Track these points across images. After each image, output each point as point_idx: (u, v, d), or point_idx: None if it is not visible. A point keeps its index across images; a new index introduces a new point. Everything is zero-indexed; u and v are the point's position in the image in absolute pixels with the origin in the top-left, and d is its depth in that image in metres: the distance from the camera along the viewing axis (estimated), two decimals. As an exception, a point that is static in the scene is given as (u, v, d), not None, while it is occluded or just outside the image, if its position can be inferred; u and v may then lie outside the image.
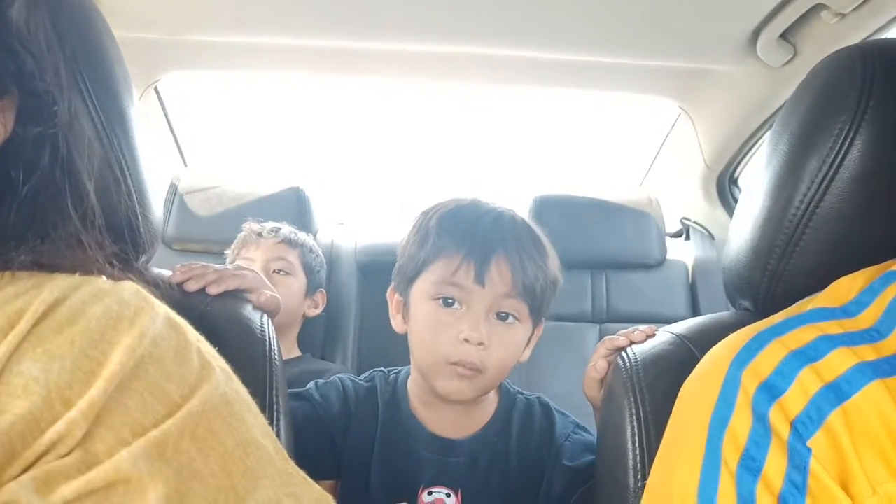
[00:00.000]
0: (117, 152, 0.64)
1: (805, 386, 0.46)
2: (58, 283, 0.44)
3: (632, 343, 0.79)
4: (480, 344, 0.83)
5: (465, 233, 0.86)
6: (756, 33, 1.27)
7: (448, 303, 0.85)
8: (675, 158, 1.94)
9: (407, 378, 0.95)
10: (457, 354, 0.83)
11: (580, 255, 1.76)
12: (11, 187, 0.48)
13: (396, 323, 0.93)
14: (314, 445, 0.87)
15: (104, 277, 0.48)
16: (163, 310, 0.46)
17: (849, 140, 0.61)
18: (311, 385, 0.94)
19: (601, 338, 1.72)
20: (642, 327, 0.82)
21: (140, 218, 0.66)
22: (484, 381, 0.86)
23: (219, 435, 0.42)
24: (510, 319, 0.86)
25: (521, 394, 0.97)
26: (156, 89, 1.68)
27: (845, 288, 0.53)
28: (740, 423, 0.47)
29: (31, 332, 0.40)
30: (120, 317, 0.43)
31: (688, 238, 2.00)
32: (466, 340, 0.83)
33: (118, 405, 0.39)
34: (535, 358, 0.99)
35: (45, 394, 0.38)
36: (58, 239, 0.48)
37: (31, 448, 0.37)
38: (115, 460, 0.37)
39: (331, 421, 0.90)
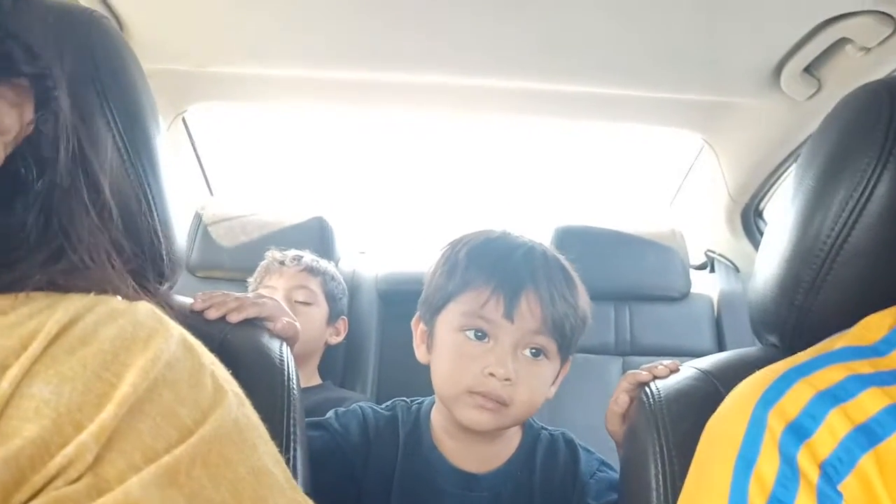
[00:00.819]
0: (143, 182, 0.65)
1: (834, 428, 0.44)
2: (72, 303, 0.43)
3: (655, 378, 0.77)
4: (507, 380, 0.81)
5: (496, 266, 0.84)
6: (780, 67, 1.26)
7: (478, 335, 0.84)
8: (699, 190, 1.93)
9: (430, 409, 0.94)
10: (480, 386, 0.82)
11: (603, 287, 1.74)
12: (25, 187, 0.47)
13: (420, 353, 0.92)
14: (334, 476, 0.86)
15: (119, 297, 0.47)
16: (177, 331, 0.46)
17: (876, 176, 0.60)
18: (330, 414, 0.94)
19: (624, 370, 1.71)
20: (666, 362, 0.80)
21: (164, 247, 0.67)
22: (509, 416, 0.84)
23: (231, 462, 0.41)
24: (540, 356, 0.85)
25: (545, 429, 0.96)
26: (183, 119, 1.71)
27: (874, 326, 0.52)
28: (767, 465, 0.46)
29: (44, 354, 0.40)
30: (134, 338, 0.42)
31: (713, 271, 1.98)
32: (492, 375, 0.81)
33: (130, 429, 0.38)
34: (558, 389, 0.98)
35: (55, 417, 0.37)
36: (73, 257, 0.48)
37: (39, 473, 0.36)
38: (125, 487, 0.36)
39: (350, 451, 0.89)
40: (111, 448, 0.37)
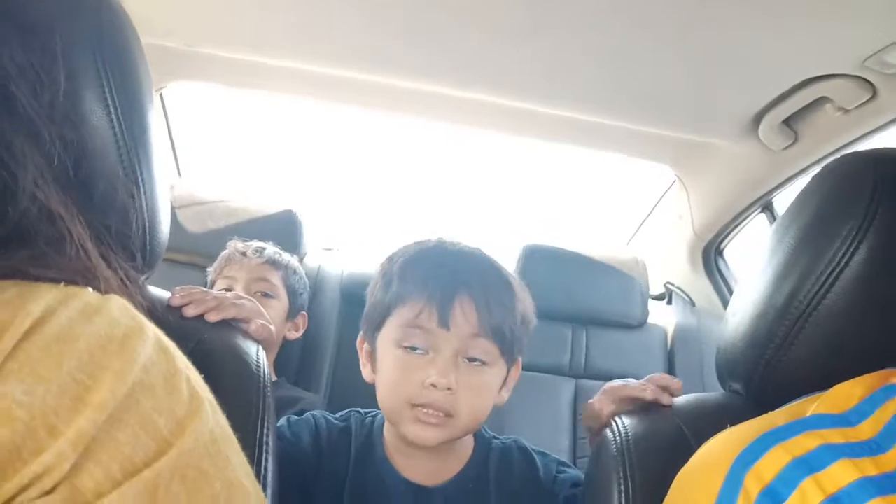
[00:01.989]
0: (132, 157, 0.60)
1: (807, 496, 0.46)
2: (43, 296, 0.41)
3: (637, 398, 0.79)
4: (448, 389, 0.81)
5: (428, 275, 0.85)
6: (760, 116, 1.30)
7: (417, 350, 0.83)
8: (665, 222, 1.98)
9: (384, 422, 0.93)
10: (422, 397, 0.82)
11: (563, 308, 1.76)
12: None
13: (366, 373, 0.91)
14: (285, 486, 0.84)
15: (90, 289, 0.45)
16: (152, 331, 0.44)
17: (856, 243, 0.62)
18: (283, 422, 0.92)
19: (577, 392, 1.74)
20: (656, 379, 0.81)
21: (148, 233, 0.64)
22: (456, 427, 0.84)
23: (207, 476, 0.40)
24: (479, 363, 0.85)
25: (497, 438, 0.96)
26: (161, 95, 1.68)
27: (845, 395, 0.54)
28: None
29: (17, 349, 0.37)
30: (110, 338, 0.40)
31: (670, 302, 2.02)
32: (433, 385, 0.81)
33: (109, 438, 0.37)
34: (507, 405, 0.98)
35: (28, 420, 0.35)
36: (41, 241, 0.44)
37: (11, 481, 0.34)
38: (105, 503, 0.35)
39: (301, 460, 0.88)
40: (89, 457, 0.36)
